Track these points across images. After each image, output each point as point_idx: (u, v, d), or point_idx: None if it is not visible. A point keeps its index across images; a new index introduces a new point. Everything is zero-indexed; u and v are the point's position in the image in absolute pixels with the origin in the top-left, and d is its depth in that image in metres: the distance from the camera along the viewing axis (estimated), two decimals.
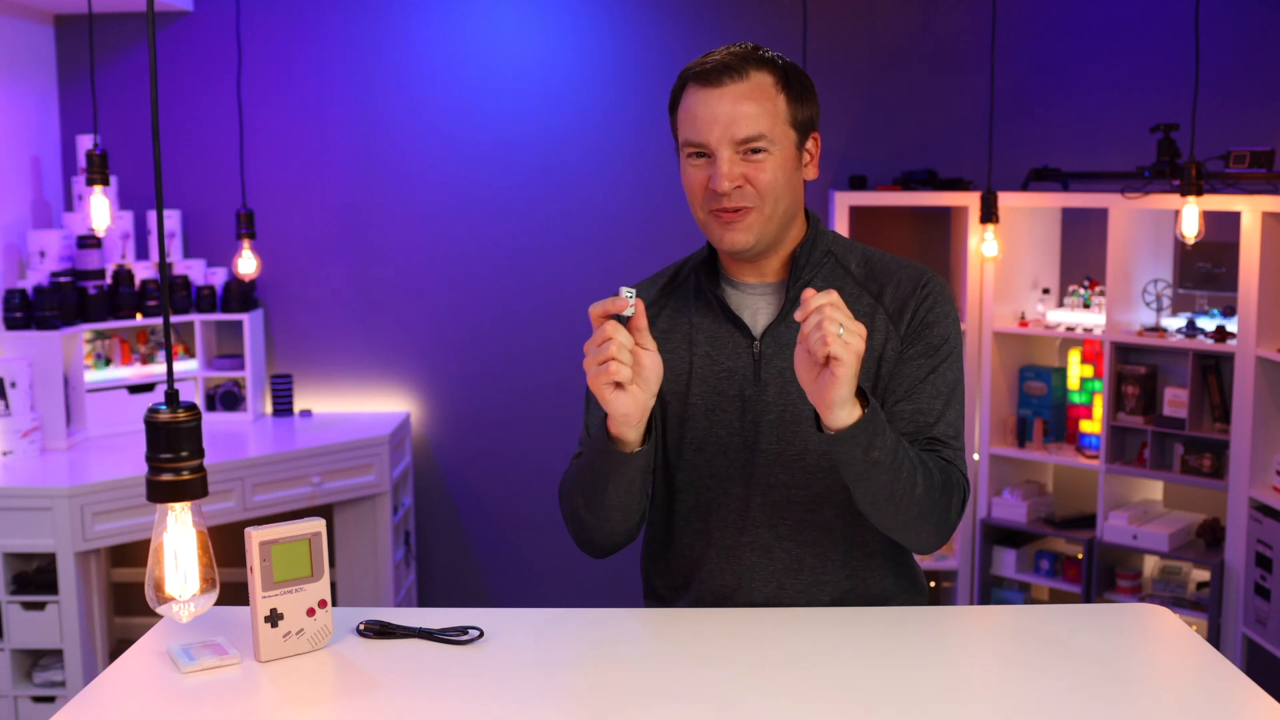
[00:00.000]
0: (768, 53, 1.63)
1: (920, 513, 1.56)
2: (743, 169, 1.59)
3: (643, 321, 1.50)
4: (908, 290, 1.67)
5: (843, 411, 1.44)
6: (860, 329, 1.42)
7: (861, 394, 1.48)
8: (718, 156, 1.59)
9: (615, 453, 1.55)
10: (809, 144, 1.67)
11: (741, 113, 1.58)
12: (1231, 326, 3.56)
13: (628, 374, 1.47)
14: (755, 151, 1.59)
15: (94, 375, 3.85)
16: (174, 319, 4.01)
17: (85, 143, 3.90)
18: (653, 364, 1.51)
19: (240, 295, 4.07)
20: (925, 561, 4.05)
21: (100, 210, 3.27)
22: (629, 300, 1.47)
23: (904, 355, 1.66)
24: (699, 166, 1.62)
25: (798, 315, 1.43)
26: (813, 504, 1.66)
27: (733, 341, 1.69)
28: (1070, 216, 4.13)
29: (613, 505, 1.61)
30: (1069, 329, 3.89)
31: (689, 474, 1.71)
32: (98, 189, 3.25)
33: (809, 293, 1.43)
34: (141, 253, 4.11)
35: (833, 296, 1.42)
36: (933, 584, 4.18)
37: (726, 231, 1.62)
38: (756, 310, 1.70)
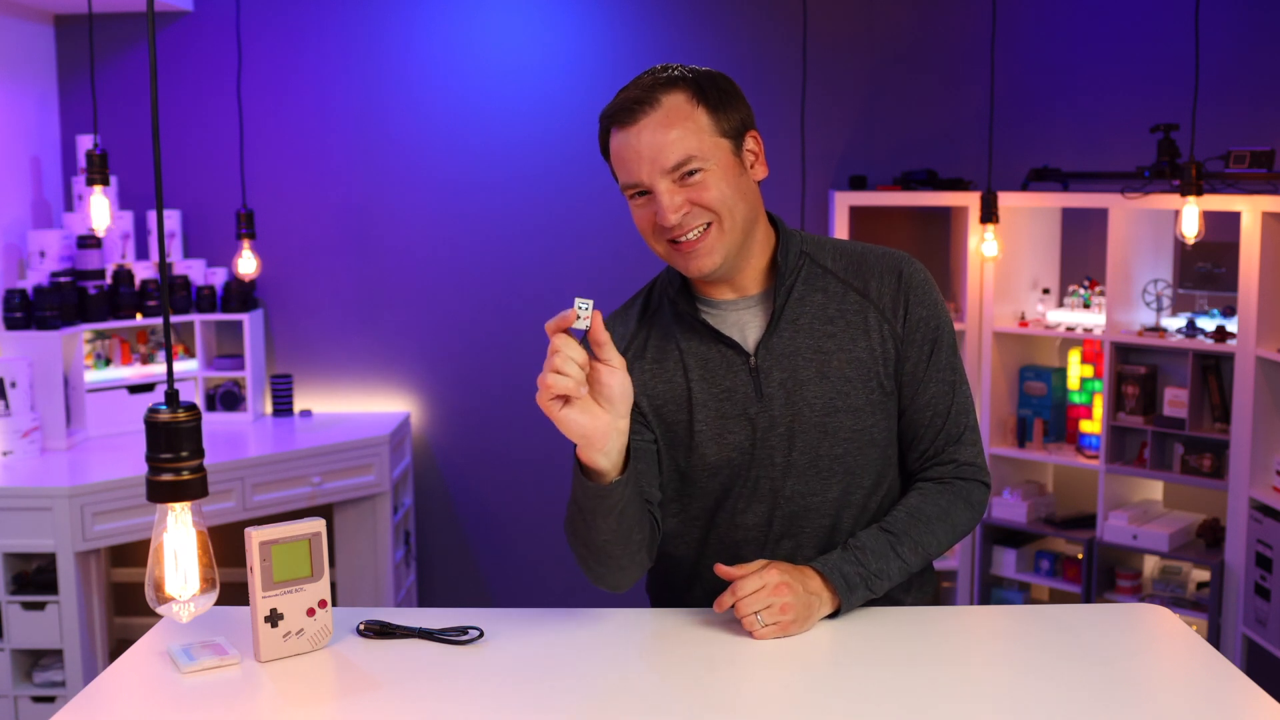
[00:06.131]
0: (676, 70, 1.58)
1: (946, 547, 1.69)
2: (684, 194, 1.54)
3: (603, 336, 1.43)
4: (893, 284, 1.65)
5: (822, 613, 1.57)
6: (778, 610, 1.50)
7: (820, 573, 1.57)
8: (656, 190, 1.54)
9: (591, 487, 1.48)
10: (748, 144, 1.61)
11: (664, 141, 1.53)
12: (1231, 326, 3.56)
13: (569, 385, 1.39)
14: (691, 174, 1.53)
15: (94, 375, 3.85)
16: (174, 319, 4.01)
17: (85, 143, 3.90)
18: (618, 383, 1.44)
19: (240, 295, 4.07)
20: None
21: (100, 210, 3.27)
22: (582, 312, 1.36)
23: (906, 356, 1.65)
24: (643, 205, 1.57)
25: (716, 609, 1.55)
26: (829, 510, 1.65)
27: (726, 361, 1.64)
28: (1070, 216, 4.12)
29: (607, 542, 1.53)
30: (1069, 329, 3.89)
31: (707, 501, 1.68)
32: (98, 189, 3.25)
33: (723, 598, 1.54)
34: (141, 253, 4.11)
35: (741, 591, 1.52)
36: None
37: (691, 260, 1.57)
38: (744, 326, 1.66)
